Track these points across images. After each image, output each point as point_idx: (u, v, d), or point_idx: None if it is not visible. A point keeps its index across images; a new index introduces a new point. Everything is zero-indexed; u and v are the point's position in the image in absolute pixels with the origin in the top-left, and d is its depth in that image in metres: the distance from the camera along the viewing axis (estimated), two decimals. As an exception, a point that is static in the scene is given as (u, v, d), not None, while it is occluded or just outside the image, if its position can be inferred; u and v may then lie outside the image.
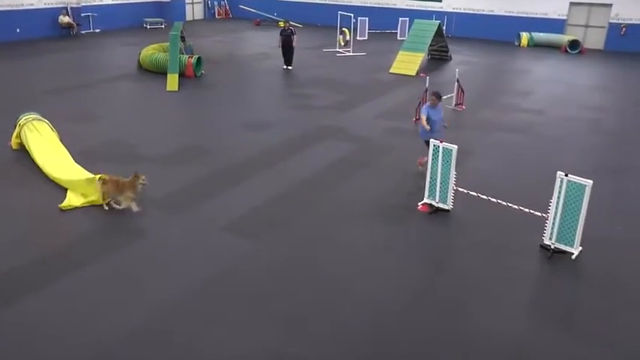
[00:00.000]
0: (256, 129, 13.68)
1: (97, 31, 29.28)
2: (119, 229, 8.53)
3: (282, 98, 17.13)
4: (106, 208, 9.13)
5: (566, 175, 7.94)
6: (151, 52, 19.93)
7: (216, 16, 38.24)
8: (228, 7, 39.03)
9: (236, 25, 34.42)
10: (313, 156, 11.96)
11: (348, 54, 24.94)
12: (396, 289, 7.26)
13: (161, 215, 9.01)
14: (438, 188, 9.40)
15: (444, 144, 9.15)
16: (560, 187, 7.98)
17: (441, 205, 9.44)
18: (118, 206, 9.13)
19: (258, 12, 35.86)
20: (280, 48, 21.41)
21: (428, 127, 10.65)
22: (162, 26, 31.78)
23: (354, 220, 9.09)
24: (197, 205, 9.38)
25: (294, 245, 8.23)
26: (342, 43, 25.93)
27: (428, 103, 10.97)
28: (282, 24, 33.91)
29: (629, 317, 6.88)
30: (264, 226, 8.76)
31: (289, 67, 21.34)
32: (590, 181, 7.80)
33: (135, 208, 9.01)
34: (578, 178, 7.89)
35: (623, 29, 30.03)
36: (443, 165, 9.24)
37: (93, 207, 9.17)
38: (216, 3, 38.39)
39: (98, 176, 9.25)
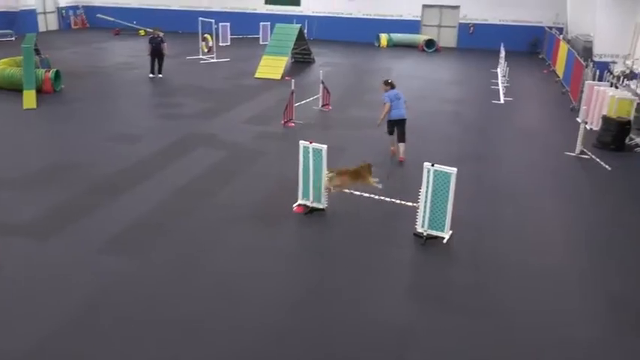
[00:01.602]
0: (125, 141, 13.16)
1: (-62, 47, 26.94)
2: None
3: (150, 108, 16.62)
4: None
5: (433, 165, 8.31)
6: (2, 67, 18.58)
7: (73, 26, 36.46)
8: (84, 17, 37.35)
9: (95, 35, 32.98)
10: (186, 164, 11.70)
11: (212, 60, 24.68)
12: (284, 288, 7.26)
13: (29, 242, 8.40)
14: (311, 188, 9.50)
15: (314, 144, 9.26)
16: (428, 176, 8.35)
17: (315, 205, 9.56)
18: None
19: (117, 21, 34.59)
20: (149, 56, 20.81)
21: (379, 120, 12.27)
22: (13, 38, 29.80)
23: (235, 225, 8.99)
24: (70, 226, 8.83)
25: (178, 255, 8.00)
26: (206, 50, 25.61)
27: (385, 92, 12.26)
28: (142, 32, 33.02)
29: (497, 289, 7.33)
30: (145, 239, 8.43)
31: (160, 76, 20.80)
32: (455, 169, 8.22)
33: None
34: (443, 167, 8.29)
35: (472, 28, 32.21)
36: (314, 165, 9.35)
37: (-52, 236, 8.39)
38: (71, 12, 36.60)
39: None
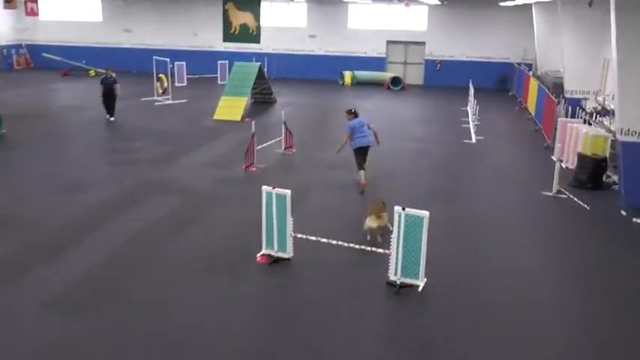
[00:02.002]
0: (73, 190, 12.86)
1: None
2: None
3: (101, 153, 16.37)
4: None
5: (404, 209, 8.28)
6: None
7: (15, 66, 36.07)
8: (28, 56, 37.00)
9: (40, 76, 32.65)
10: (140, 214, 11.46)
11: (168, 102, 24.59)
12: (248, 344, 7.06)
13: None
14: (275, 237, 9.37)
15: (277, 189, 9.17)
16: (399, 221, 8.31)
17: (280, 255, 9.41)
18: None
19: (65, 60, 34.32)
20: (101, 98, 20.65)
21: (338, 148, 13.27)
22: (-52, 82, 29.33)
23: (193, 278, 8.77)
24: (9, 285, 8.50)
25: (130, 313, 7.73)
26: (161, 91, 25.51)
27: (348, 121, 13.15)
28: (93, 72, 32.83)
29: (476, 340, 7.24)
30: (93, 297, 8.14)
31: (112, 118, 20.62)
32: (427, 213, 8.20)
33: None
34: (415, 210, 8.27)
35: (439, 65, 32.90)
36: (278, 211, 9.23)
37: None
38: (13, 51, 36.23)
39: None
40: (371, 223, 10.11)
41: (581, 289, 8.78)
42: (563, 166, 14.84)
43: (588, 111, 18.04)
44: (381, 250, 9.12)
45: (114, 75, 20.81)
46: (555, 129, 17.21)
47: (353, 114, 13.28)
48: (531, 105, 23.45)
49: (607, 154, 14.36)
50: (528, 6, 28.03)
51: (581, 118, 17.21)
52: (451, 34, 32.34)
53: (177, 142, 17.64)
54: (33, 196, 12.48)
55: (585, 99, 20.30)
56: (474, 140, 18.77)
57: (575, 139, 15.50)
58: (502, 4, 27.70)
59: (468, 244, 10.33)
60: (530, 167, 15.91)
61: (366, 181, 13.21)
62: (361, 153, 13.25)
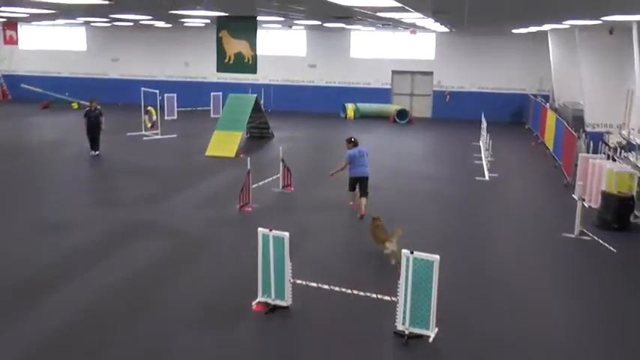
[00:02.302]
0: (52, 232, 12.83)
1: None
2: None
3: (84, 192, 16.38)
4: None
5: (412, 253, 8.24)
6: None
7: (-10, 98, 36.39)
8: (5, 87, 37.30)
9: (19, 108, 32.88)
10: (125, 259, 11.40)
11: (157, 137, 24.70)
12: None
13: None
14: (272, 283, 9.30)
15: (274, 231, 9.14)
16: (407, 266, 8.26)
17: (278, 302, 9.33)
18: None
19: (46, 92, 34.56)
20: (86, 131, 20.81)
21: (332, 172, 14.57)
22: None
23: (182, 330, 8.68)
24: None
25: (107, 370, 7.64)
26: (149, 125, 25.64)
27: (348, 150, 14.44)
28: (76, 105, 33.04)
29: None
30: (69, 355, 8.04)
31: (97, 153, 20.82)
32: (437, 256, 8.16)
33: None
34: (424, 254, 8.22)
35: (448, 97, 33.11)
36: (275, 256, 9.18)
37: None
38: (-10, 82, 36.63)
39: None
40: (392, 246, 11.05)
41: (609, 342, 8.68)
42: (586, 205, 14.82)
43: (612, 146, 18.10)
44: (387, 298, 9.04)
45: (99, 107, 20.97)
46: (576, 165, 17.23)
47: (353, 143, 14.52)
48: (549, 139, 23.55)
49: (634, 192, 14.35)
50: (544, 33, 28.33)
51: (604, 153, 17.25)
52: (461, 63, 32.68)
53: (166, 180, 17.67)
54: (6, 238, 12.44)
55: (608, 133, 20.37)
56: (487, 178, 18.80)
57: (598, 176, 15.51)
58: (515, 31, 27.98)
59: (483, 292, 10.25)
60: (550, 207, 15.89)
61: (365, 210, 14.13)
62: (359, 182, 14.40)
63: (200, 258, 11.56)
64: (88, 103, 22.04)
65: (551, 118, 23.50)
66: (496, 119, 29.13)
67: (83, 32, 36.71)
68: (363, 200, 14.32)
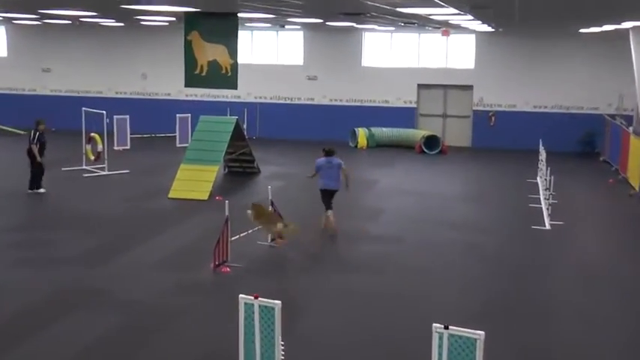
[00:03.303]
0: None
1: None
2: None
3: (8, 247, 16.35)
4: None
5: (446, 328, 8.23)
6: None
7: None
8: None
9: None
10: (55, 342, 11.37)
11: (103, 173, 24.73)
12: None
13: None
14: (259, 366, 9.29)
15: (261, 299, 9.11)
16: (441, 345, 8.24)
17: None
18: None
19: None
20: (33, 165, 21.47)
21: (309, 175, 18.21)
22: None
23: None
24: None
25: None
26: (92, 157, 25.62)
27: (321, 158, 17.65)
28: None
29: None
30: None
31: (40, 190, 21.47)
32: (481, 333, 8.15)
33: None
34: (462, 329, 8.21)
35: (492, 118, 32.93)
36: (263, 332, 9.16)
37: None
38: None
39: None
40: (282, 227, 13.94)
41: None
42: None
43: None
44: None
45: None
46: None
47: (325, 152, 17.88)
48: (633, 175, 23.55)
49: None
50: (623, 32, 28.03)
51: None
52: (511, 73, 32.60)
53: (115, 231, 17.68)
54: None
55: None
56: (547, 226, 18.80)
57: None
58: (585, 30, 27.82)
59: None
60: (635, 268, 15.82)
61: (336, 226, 17.29)
62: (327, 195, 17.63)
63: (160, 336, 11.55)
64: (28, 131, 22.36)
65: (636, 146, 23.44)
66: (559, 148, 29.03)
67: (2, 32, 36.83)
68: (330, 213, 17.48)
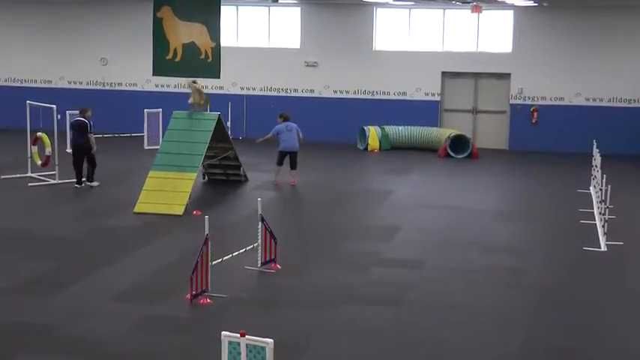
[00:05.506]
0: None
1: None
2: None
3: None
4: None
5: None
6: None
7: None
8: None
9: None
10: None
11: (53, 181, 24.78)
12: None
13: None
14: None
15: (249, 337, 9.13)
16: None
17: None
18: None
19: None
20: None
21: (262, 139, 24.88)
22: None
23: None
24: None
25: None
26: (40, 162, 25.67)
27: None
28: None
29: None
30: None
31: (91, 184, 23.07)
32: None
33: None
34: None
35: (535, 114, 32.85)
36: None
37: None
38: None
39: None
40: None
41: None
42: None
43: None
44: None
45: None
46: None
47: (282, 117, 25.43)
48: None
49: None
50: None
51: None
52: (557, 59, 32.62)
53: (66, 254, 17.70)
54: None
55: None
56: (603, 247, 18.82)
57: None
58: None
59: None
60: None
61: (295, 180, 25.14)
62: (289, 156, 25.06)
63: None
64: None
65: None
66: (618, 151, 29.04)
67: None
68: (294, 172, 25.23)
